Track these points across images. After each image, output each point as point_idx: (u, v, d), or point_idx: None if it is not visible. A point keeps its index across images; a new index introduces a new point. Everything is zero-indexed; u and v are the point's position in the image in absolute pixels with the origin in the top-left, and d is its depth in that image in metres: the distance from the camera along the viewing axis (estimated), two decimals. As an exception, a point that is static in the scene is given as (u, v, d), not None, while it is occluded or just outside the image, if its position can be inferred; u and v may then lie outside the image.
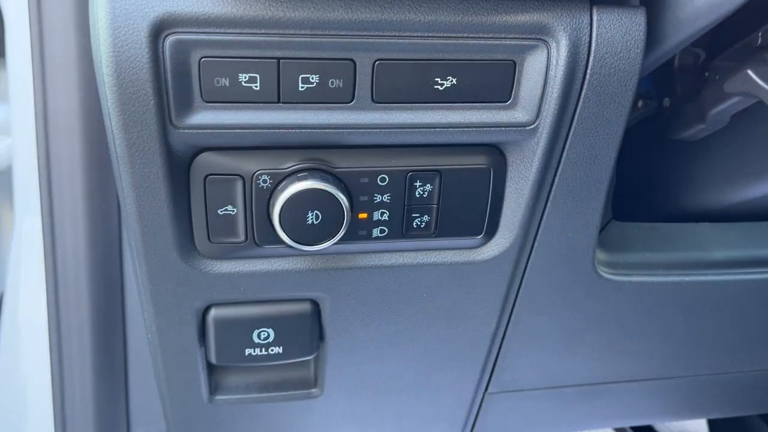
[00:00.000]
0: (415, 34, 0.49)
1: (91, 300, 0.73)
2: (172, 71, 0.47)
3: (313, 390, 0.71)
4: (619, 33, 0.51)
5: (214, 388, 0.70)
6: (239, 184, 0.54)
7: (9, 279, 0.86)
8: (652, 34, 0.52)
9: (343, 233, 0.55)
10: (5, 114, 0.91)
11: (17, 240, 0.82)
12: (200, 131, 0.50)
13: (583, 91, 0.53)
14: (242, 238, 0.56)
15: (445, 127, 0.53)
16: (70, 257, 0.72)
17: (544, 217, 0.60)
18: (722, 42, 0.64)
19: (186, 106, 0.49)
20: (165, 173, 0.51)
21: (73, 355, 0.77)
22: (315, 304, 0.63)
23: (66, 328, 0.76)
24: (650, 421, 0.98)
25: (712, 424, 1.40)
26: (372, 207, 0.56)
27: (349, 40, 0.48)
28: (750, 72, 0.52)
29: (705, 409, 0.96)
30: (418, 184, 0.56)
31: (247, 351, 0.63)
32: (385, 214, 0.57)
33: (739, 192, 0.66)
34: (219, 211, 0.55)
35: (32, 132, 0.70)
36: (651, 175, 0.76)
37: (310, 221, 0.54)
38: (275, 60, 0.48)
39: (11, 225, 1.14)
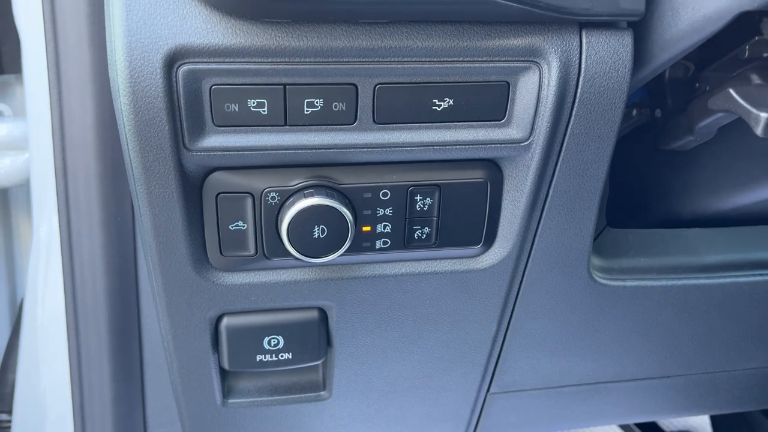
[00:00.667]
0: (413, 59, 0.52)
1: (108, 307, 0.76)
2: (185, 98, 0.50)
3: (322, 393, 0.75)
4: (608, 54, 0.54)
5: (227, 392, 0.73)
6: (249, 201, 0.57)
7: (28, 286, 0.89)
8: (640, 54, 0.55)
9: (348, 246, 0.58)
10: (23, 129, 0.95)
11: (36, 250, 0.85)
12: (212, 153, 0.53)
13: (575, 109, 0.56)
14: (252, 251, 0.59)
15: (443, 145, 0.56)
16: (87, 266, 0.75)
17: (540, 226, 0.63)
18: (712, 54, 0.66)
19: (198, 130, 0.52)
20: (179, 193, 0.55)
21: (91, 360, 0.80)
22: (322, 311, 0.66)
23: (84, 333, 0.79)
24: (650, 419, 1.01)
25: (714, 419, 1.43)
26: (375, 220, 0.59)
27: (351, 66, 0.51)
28: (731, 90, 0.54)
29: (703, 406, 0.99)
30: (418, 198, 0.59)
31: (259, 357, 0.66)
32: (387, 227, 0.60)
33: (728, 200, 0.68)
34: (230, 227, 0.58)
35: (49, 146, 0.73)
36: (644, 183, 0.78)
37: (316, 235, 0.57)
38: (281, 86, 0.51)
39: (29, 235, 1.18)
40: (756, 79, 0.56)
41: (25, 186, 1.05)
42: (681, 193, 0.74)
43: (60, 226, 0.74)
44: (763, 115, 0.50)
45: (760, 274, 0.75)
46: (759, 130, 0.51)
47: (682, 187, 0.73)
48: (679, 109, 0.68)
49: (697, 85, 0.67)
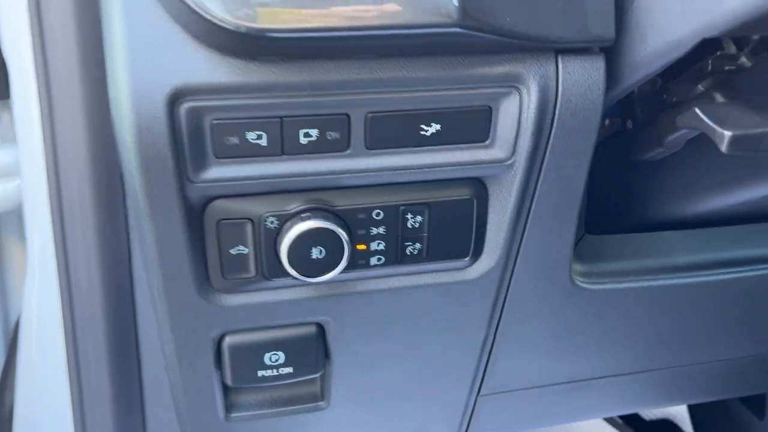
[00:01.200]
0: (402, 89, 0.55)
1: (106, 329, 0.78)
2: (188, 134, 0.53)
3: (321, 403, 0.77)
4: (582, 77, 0.58)
5: (229, 407, 0.75)
6: (249, 227, 0.59)
7: (24, 311, 0.90)
8: (612, 76, 0.59)
9: (344, 264, 0.61)
10: (13, 156, 0.96)
11: (31, 274, 0.86)
12: (213, 184, 0.56)
13: (553, 129, 0.59)
14: (253, 273, 0.62)
15: (432, 167, 0.59)
16: (84, 289, 0.76)
17: (524, 238, 0.67)
18: (677, 67, 0.70)
19: (201, 163, 0.55)
20: (183, 222, 0.57)
21: (91, 381, 0.82)
22: (321, 326, 0.69)
23: (84, 356, 0.81)
24: (632, 411, 1.06)
25: (691, 407, 1.49)
26: (369, 239, 0.63)
27: (343, 98, 0.54)
28: (697, 110, 0.58)
29: (681, 397, 1.04)
30: (409, 216, 0.63)
31: (261, 373, 0.69)
32: (381, 245, 0.63)
33: (697, 205, 0.73)
34: (231, 251, 0.60)
35: (42, 173, 0.74)
36: (619, 189, 0.82)
37: (314, 256, 0.60)
38: (278, 118, 0.54)
39: (20, 260, 1.18)
40: (719, 97, 0.60)
41: (14, 212, 1.06)
42: (653, 199, 0.78)
43: (56, 250, 0.76)
44: (727, 133, 0.55)
45: (728, 272, 0.79)
46: (723, 148, 0.55)
47: (654, 194, 0.78)
48: (648, 120, 0.72)
49: (664, 96, 0.72)
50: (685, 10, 0.51)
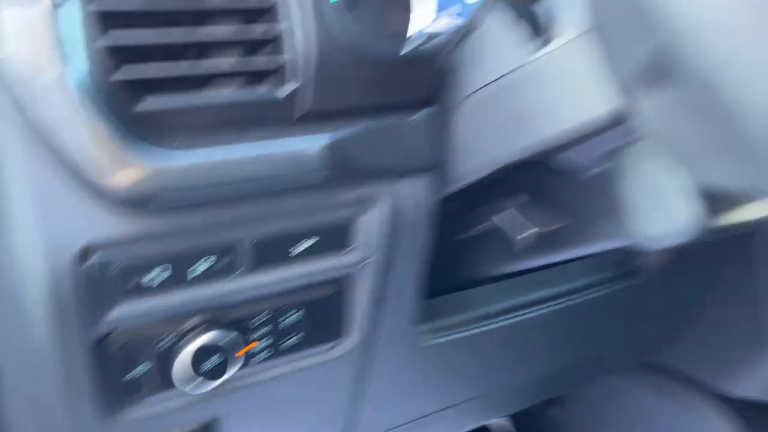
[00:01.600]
0: (281, 218, 0.66)
1: None
2: (95, 283, 0.59)
3: None
4: (420, 190, 0.73)
5: None
6: (146, 349, 0.66)
7: None
8: (443, 183, 0.74)
9: (238, 367, 0.70)
10: None
11: None
12: (117, 321, 0.62)
13: (399, 232, 0.74)
14: (151, 388, 0.68)
15: (305, 275, 0.71)
16: None
17: (381, 315, 0.80)
18: None
19: (107, 306, 0.60)
20: (85, 356, 0.62)
21: None
22: (215, 420, 0.77)
23: None
24: (473, 427, 1.27)
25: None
26: (256, 338, 0.72)
27: (232, 232, 0.64)
28: (494, 219, 0.77)
29: (508, 408, 1.26)
30: (288, 315, 0.73)
31: None
32: (266, 342, 0.73)
33: (506, 268, 0.92)
34: (130, 372, 0.66)
35: None
36: (449, 257, 1.00)
37: (209, 366, 0.68)
38: (176, 255, 0.62)
39: None
40: (519, 198, 0.79)
41: None
42: (474, 264, 0.96)
43: None
44: (516, 237, 0.73)
45: (528, 312, 1.00)
46: (515, 249, 0.74)
47: (474, 261, 0.96)
48: (463, 208, 0.89)
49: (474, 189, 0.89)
50: (489, 144, 0.68)
